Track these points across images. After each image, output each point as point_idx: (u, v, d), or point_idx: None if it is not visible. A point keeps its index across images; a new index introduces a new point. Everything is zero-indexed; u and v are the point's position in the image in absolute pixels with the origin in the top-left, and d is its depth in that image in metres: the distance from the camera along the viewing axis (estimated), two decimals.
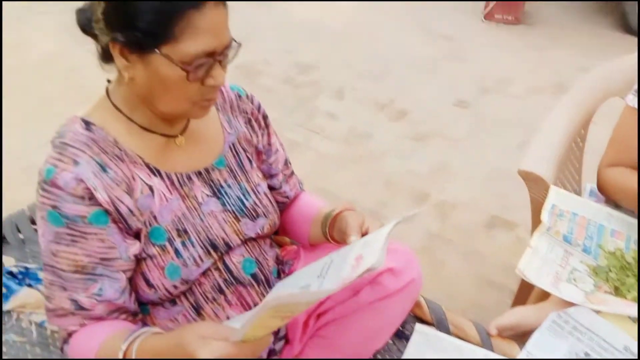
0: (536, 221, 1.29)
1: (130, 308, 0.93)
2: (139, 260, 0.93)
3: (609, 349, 0.95)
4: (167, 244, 0.93)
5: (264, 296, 1.05)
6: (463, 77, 3.66)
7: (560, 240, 1.19)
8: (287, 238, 1.30)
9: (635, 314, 0.99)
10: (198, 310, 0.99)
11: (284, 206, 1.20)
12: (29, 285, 1.27)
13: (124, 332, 0.85)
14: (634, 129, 1.28)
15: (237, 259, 1.02)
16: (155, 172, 0.94)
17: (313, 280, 0.79)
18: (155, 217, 0.93)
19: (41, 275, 1.29)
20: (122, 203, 0.88)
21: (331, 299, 1.09)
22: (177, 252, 0.93)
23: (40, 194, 0.86)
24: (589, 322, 0.99)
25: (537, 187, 1.34)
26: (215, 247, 0.98)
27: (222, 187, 1.02)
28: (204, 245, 0.96)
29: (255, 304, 1.04)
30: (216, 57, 0.85)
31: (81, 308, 0.88)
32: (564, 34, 4.38)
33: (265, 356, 1.07)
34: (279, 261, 1.16)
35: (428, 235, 2.27)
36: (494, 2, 4.44)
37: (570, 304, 1.02)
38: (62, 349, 0.92)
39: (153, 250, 0.92)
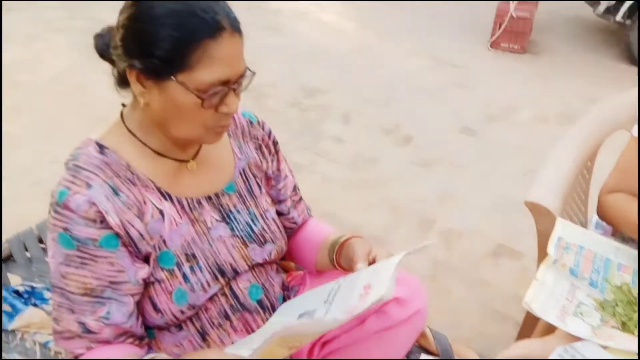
0: (542, 253, 1.29)
1: (137, 332, 0.93)
2: (147, 284, 0.93)
3: None
4: (175, 268, 0.93)
5: None
6: (469, 104, 3.69)
7: (566, 273, 1.18)
8: (293, 263, 1.30)
9: None
10: (204, 335, 0.99)
11: (291, 232, 1.20)
12: (35, 305, 1.27)
13: (131, 356, 0.85)
14: (636, 158, 1.30)
15: (243, 285, 1.02)
16: (166, 196, 0.95)
17: (319, 305, 0.79)
18: (164, 241, 0.93)
19: (47, 295, 1.29)
20: (132, 227, 0.89)
21: (336, 327, 1.09)
22: (185, 276, 0.94)
23: (52, 216, 0.87)
24: (595, 356, 0.98)
25: (543, 219, 1.35)
26: (222, 272, 0.98)
27: (231, 212, 1.03)
28: (212, 270, 0.97)
29: None
30: (231, 85, 0.87)
31: (88, 331, 0.88)
32: (570, 64, 4.42)
33: None
34: (284, 287, 1.16)
35: (433, 263, 2.27)
36: (501, 30, 4.50)
37: (577, 338, 1.01)
38: None
39: (161, 275, 0.92)
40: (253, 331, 1.03)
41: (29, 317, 1.25)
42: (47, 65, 3.93)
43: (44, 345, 1.21)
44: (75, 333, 0.89)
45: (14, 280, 1.35)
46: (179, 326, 0.98)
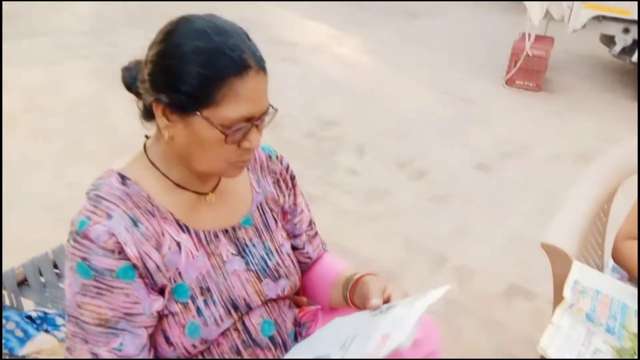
0: (558, 295, 1.28)
1: None
2: (160, 317, 0.93)
3: None
4: (189, 301, 0.93)
5: None
6: (484, 140, 3.69)
7: (583, 318, 1.16)
8: (306, 298, 1.30)
9: None
10: None
11: (305, 267, 1.20)
12: (46, 331, 1.27)
13: None
14: None
15: (256, 320, 1.02)
16: (184, 228, 0.95)
17: (335, 350, 0.79)
18: (180, 274, 0.93)
19: (59, 321, 1.29)
20: (150, 258, 0.89)
21: None
22: (198, 310, 0.94)
23: (71, 245, 0.88)
24: None
25: (559, 261, 1.33)
26: (236, 307, 0.98)
27: (247, 246, 1.03)
28: (226, 305, 0.97)
29: None
30: (254, 121, 0.88)
31: None
32: (585, 103, 4.43)
33: None
34: (296, 323, 1.15)
35: (445, 301, 2.24)
36: (516, 68, 4.53)
37: None
38: None
39: (175, 308, 0.92)
40: None
41: (40, 343, 1.24)
42: (68, 90, 4.02)
43: None
44: None
45: (27, 305, 1.35)
46: None
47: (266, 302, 1.04)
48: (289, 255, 1.10)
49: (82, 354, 0.88)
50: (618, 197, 1.59)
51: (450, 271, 2.43)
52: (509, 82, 4.62)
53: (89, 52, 4.76)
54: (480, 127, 3.90)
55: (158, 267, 0.90)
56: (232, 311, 0.97)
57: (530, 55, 4.43)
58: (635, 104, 4.36)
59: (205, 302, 0.95)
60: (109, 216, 0.87)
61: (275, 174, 1.12)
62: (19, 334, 1.25)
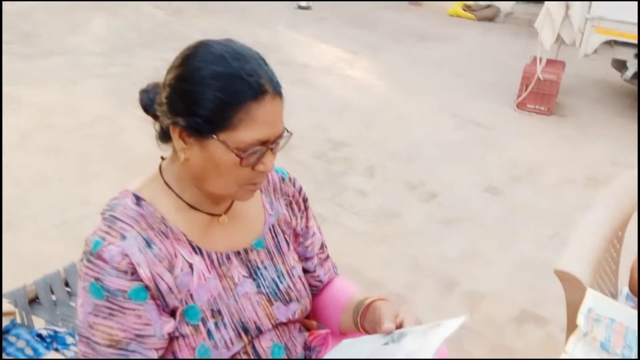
0: (571, 323, 1.26)
1: None
2: (171, 339, 0.93)
3: None
4: (200, 324, 0.93)
5: None
6: (494, 163, 3.69)
7: (597, 348, 1.15)
8: (315, 322, 1.29)
9: None
10: None
11: (316, 290, 1.19)
12: (56, 350, 1.27)
13: None
14: None
15: (266, 344, 1.01)
16: (197, 250, 0.96)
17: None
18: (191, 296, 0.93)
19: (69, 340, 1.29)
20: (162, 280, 0.90)
21: None
22: (209, 333, 0.93)
23: (84, 265, 0.88)
24: None
25: (573, 288, 1.32)
26: (246, 330, 0.98)
27: (258, 268, 1.03)
28: (236, 327, 0.96)
29: None
30: (269, 145, 0.89)
31: None
32: (596, 127, 4.42)
33: None
34: (306, 347, 1.14)
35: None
36: (527, 92, 4.53)
37: None
38: None
39: (186, 330, 0.92)
40: None
41: None
42: (81, 109, 4.07)
43: None
44: None
45: (38, 323, 1.35)
46: None
47: (277, 325, 1.03)
48: (300, 278, 1.10)
49: None
50: (632, 223, 1.57)
51: (460, 295, 2.40)
52: (520, 106, 4.62)
53: (103, 71, 4.84)
54: (491, 150, 3.90)
55: (170, 288, 0.91)
56: (243, 334, 0.97)
57: (542, 79, 4.44)
58: None
59: (216, 324, 0.94)
60: (123, 237, 0.88)
61: (288, 196, 1.13)
62: (29, 352, 1.25)
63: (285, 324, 1.05)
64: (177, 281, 0.92)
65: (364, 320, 1.07)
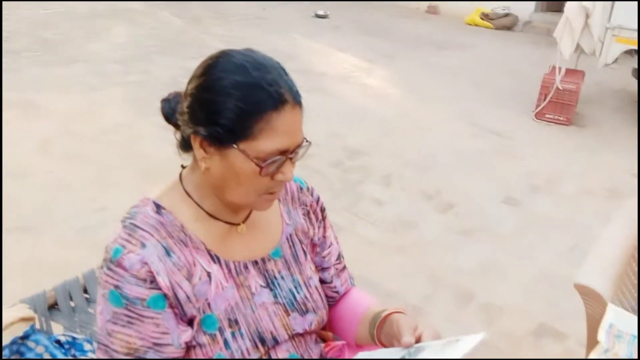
0: (592, 338, 1.24)
1: None
2: (188, 348, 0.93)
3: None
4: (217, 333, 0.93)
5: None
6: (512, 173, 3.65)
7: None
8: (331, 333, 1.28)
9: None
10: None
11: (333, 301, 1.19)
12: (74, 356, 1.28)
13: None
14: None
15: (282, 355, 1.01)
16: (215, 259, 0.96)
17: None
18: (209, 305, 0.94)
19: (87, 347, 1.30)
20: (180, 288, 0.90)
21: None
22: (226, 342, 0.93)
23: (104, 272, 0.89)
24: None
25: (593, 303, 1.29)
26: (263, 340, 0.97)
27: (275, 278, 1.03)
28: (253, 338, 0.96)
29: None
30: (288, 154, 0.89)
31: None
32: (616, 138, 4.36)
33: None
34: (322, 358, 1.13)
35: None
36: (546, 101, 4.49)
37: None
38: None
39: (203, 339, 0.92)
40: None
41: None
42: (101, 116, 4.13)
43: None
44: None
45: (56, 329, 1.36)
46: None
47: (293, 336, 1.03)
48: (317, 288, 1.09)
49: None
50: None
51: (477, 308, 2.37)
52: (539, 116, 4.58)
53: (122, 79, 4.90)
54: (509, 160, 3.87)
55: (188, 297, 0.91)
56: (259, 345, 0.97)
57: (561, 88, 4.39)
58: None
59: (233, 334, 0.94)
60: (143, 245, 0.88)
61: (306, 205, 1.13)
62: (48, 358, 1.26)
63: (301, 334, 1.05)
64: (195, 290, 0.92)
65: (381, 332, 1.06)
